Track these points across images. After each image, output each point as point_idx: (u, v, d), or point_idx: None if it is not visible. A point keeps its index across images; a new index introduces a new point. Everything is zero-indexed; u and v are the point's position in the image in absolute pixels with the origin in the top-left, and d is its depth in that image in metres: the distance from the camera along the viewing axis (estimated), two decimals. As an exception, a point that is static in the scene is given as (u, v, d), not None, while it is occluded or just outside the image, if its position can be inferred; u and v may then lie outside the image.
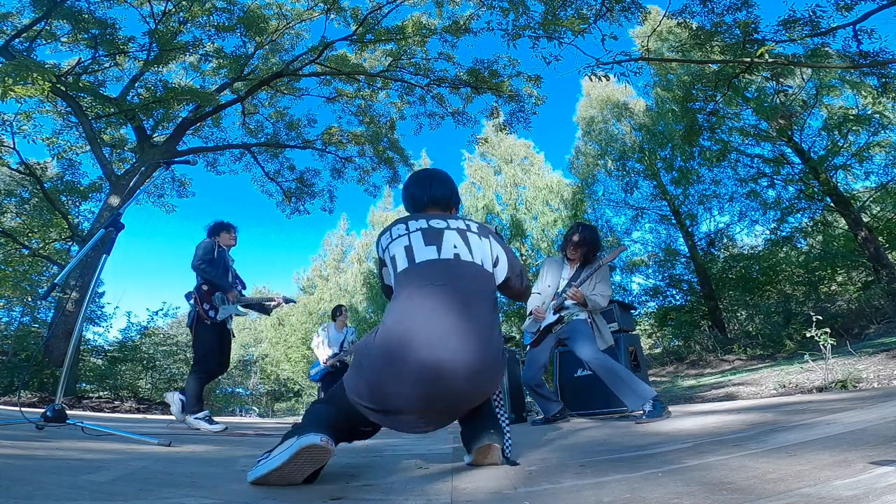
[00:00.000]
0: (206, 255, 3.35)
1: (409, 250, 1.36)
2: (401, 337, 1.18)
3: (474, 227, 1.47)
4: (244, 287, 3.65)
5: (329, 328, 5.46)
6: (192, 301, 3.31)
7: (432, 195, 1.56)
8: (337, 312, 5.61)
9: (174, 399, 3.31)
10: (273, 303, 3.75)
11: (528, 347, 3.26)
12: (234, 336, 3.57)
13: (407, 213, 1.58)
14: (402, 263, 1.35)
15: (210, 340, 3.26)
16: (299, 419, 1.37)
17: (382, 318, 1.31)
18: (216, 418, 3.51)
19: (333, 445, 1.07)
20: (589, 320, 3.03)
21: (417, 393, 1.14)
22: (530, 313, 3.25)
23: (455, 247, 1.36)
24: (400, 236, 1.41)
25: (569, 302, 3.04)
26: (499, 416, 1.44)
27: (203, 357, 3.27)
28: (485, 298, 1.33)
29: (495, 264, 1.44)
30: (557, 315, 3.07)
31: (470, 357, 1.17)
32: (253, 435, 2.98)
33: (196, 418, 3.11)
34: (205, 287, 3.31)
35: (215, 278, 3.31)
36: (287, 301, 3.83)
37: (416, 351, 1.15)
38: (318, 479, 1.13)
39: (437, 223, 1.43)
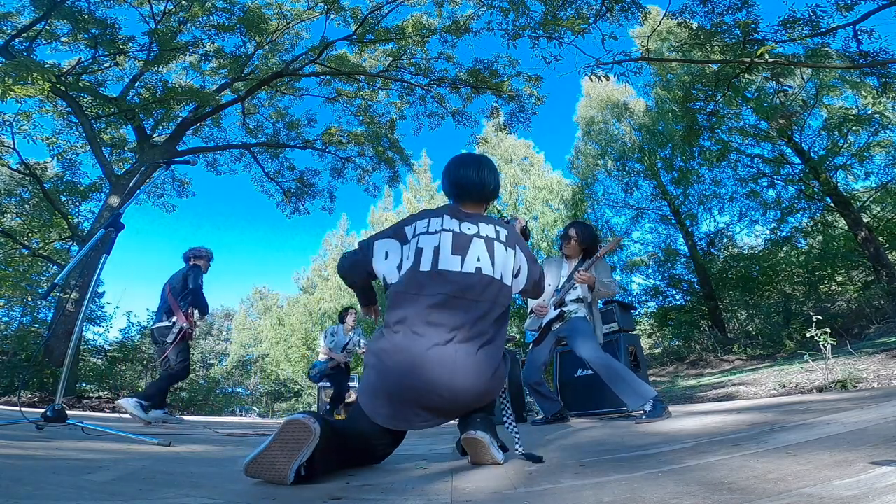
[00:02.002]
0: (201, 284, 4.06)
1: (436, 252, 1.34)
2: (403, 348, 1.25)
3: (503, 236, 1.42)
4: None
5: (337, 332, 5.36)
6: (174, 320, 3.83)
7: (476, 185, 1.49)
8: (345, 314, 5.46)
9: (130, 404, 3.51)
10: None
11: (531, 346, 3.27)
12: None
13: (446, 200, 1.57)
14: (425, 263, 1.33)
15: (187, 352, 3.93)
16: None
17: (388, 314, 1.33)
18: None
19: (316, 426, 1.04)
20: (589, 318, 3.03)
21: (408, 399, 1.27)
22: (531, 312, 3.26)
23: (478, 259, 1.35)
24: (434, 232, 1.38)
25: (569, 297, 3.05)
26: (503, 411, 1.50)
27: (183, 366, 3.89)
28: (492, 314, 1.32)
29: (516, 275, 1.41)
30: (558, 310, 3.08)
31: (462, 384, 1.24)
32: (253, 435, 2.98)
33: (163, 412, 3.71)
34: (189, 310, 3.96)
35: (204, 307, 4.06)
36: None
37: (413, 369, 1.24)
38: (317, 479, 1.13)
39: (469, 227, 1.40)
